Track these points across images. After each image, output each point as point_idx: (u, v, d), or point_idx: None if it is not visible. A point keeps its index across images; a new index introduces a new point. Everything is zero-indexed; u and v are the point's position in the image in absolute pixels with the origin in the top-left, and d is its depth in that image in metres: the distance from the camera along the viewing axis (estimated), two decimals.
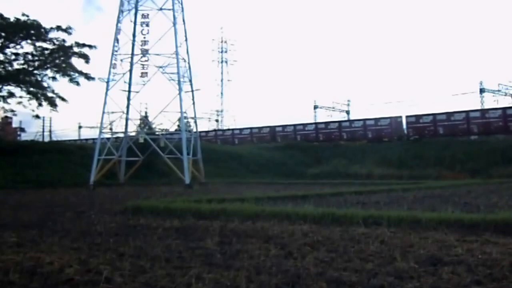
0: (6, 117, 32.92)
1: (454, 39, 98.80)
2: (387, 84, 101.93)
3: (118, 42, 27.86)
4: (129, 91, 28.38)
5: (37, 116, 32.35)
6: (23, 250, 5.88)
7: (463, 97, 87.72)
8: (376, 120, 39.24)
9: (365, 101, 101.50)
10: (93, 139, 35.06)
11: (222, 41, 68.10)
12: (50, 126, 61.11)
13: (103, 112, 27.52)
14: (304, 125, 44.40)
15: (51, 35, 30.31)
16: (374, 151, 35.90)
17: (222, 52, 67.86)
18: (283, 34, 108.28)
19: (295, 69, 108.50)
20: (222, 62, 67.96)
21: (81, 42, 30.83)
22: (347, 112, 56.41)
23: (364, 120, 40.04)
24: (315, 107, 55.51)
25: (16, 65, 30.72)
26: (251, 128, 47.01)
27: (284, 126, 45.00)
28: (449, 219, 7.58)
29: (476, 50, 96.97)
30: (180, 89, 27.00)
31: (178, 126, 30.46)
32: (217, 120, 66.18)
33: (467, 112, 35.50)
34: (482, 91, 46.54)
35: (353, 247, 5.89)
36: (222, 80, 68.08)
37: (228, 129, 52.70)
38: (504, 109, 34.89)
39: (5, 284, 4.26)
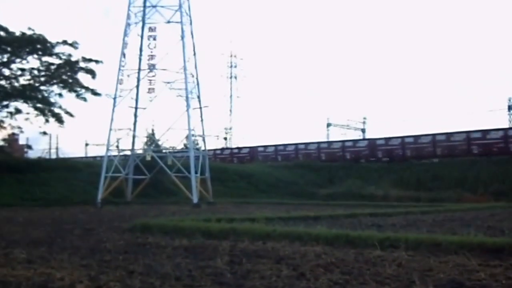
0: (13, 134, 33.47)
1: (481, 54, 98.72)
2: (406, 101, 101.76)
3: (125, 57, 28.35)
4: (136, 108, 28.76)
5: (45, 133, 32.84)
6: (34, 266, 6.06)
7: (491, 114, 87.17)
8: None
9: (382, 118, 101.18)
10: (100, 156, 35.43)
11: (231, 56, 68.68)
12: (57, 143, 62.01)
13: (110, 129, 27.93)
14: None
15: (57, 49, 30.96)
16: (391, 171, 35.74)
17: (231, 67, 68.42)
18: (295, 49, 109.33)
19: (307, 85, 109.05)
20: (231, 77, 68.48)
21: (87, 57, 31.42)
22: (363, 130, 56.40)
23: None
24: (328, 124, 55.61)
25: (22, 81, 31.33)
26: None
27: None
28: (471, 243, 7.53)
29: (504, 66, 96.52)
30: (188, 106, 27.30)
31: (185, 144, 30.75)
32: (225, 138, 66.43)
33: None
34: (510, 108, 46.22)
35: (369, 269, 5.92)
36: (231, 97, 68.50)
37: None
38: None
39: None
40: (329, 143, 41.93)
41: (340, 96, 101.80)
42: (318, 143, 42.81)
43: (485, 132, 34.33)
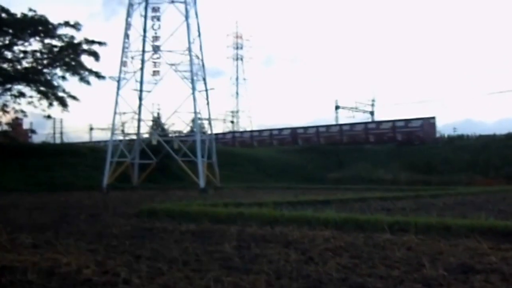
0: (17, 118, 33.59)
1: (490, 34, 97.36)
2: (415, 83, 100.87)
3: (128, 38, 28.21)
4: (141, 91, 28.71)
5: (49, 116, 32.93)
6: (40, 251, 6.15)
7: (499, 96, 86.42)
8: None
9: (392, 101, 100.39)
10: (105, 141, 35.64)
11: (237, 37, 67.95)
12: (61, 128, 62.27)
13: (115, 113, 27.97)
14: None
15: (59, 31, 30.81)
16: (401, 155, 35.65)
17: (237, 48, 67.76)
18: (303, 29, 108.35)
19: (315, 67, 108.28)
20: (237, 59, 67.87)
21: (90, 38, 31.25)
22: (371, 113, 56.05)
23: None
24: (337, 107, 55.30)
25: (25, 64, 31.34)
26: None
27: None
28: (482, 226, 7.56)
29: None
30: (193, 88, 27.22)
31: (192, 127, 30.75)
32: (232, 122, 66.27)
33: None
34: None
35: (378, 253, 5.96)
36: (237, 79, 68.03)
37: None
38: None
39: (24, 284, 4.50)
40: (260, 131, 47.57)
41: (349, 78, 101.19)
42: (251, 131, 48.05)
43: (378, 123, 40.95)
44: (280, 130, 46.23)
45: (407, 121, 38.73)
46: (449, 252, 5.94)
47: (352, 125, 41.86)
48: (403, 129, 38.70)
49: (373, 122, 40.90)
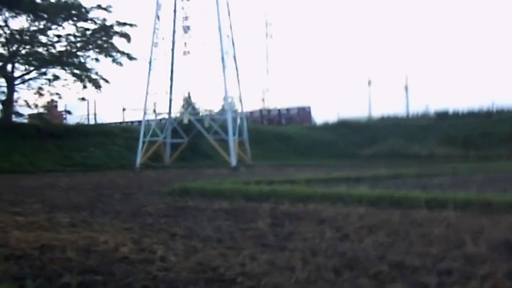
0: (52, 100, 34.53)
1: None
2: (452, 57, 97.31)
3: (159, 19, 28.42)
4: (172, 71, 28.98)
5: (83, 99, 33.73)
6: (77, 230, 6.29)
7: None
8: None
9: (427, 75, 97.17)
10: (138, 121, 36.33)
11: (266, 14, 67.38)
12: (95, 109, 63.50)
13: (147, 93, 28.38)
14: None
15: (92, 14, 31.34)
16: (436, 129, 34.80)
17: (266, 26, 67.11)
18: (333, 4, 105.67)
19: (347, 42, 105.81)
20: (266, 36, 67.26)
21: (122, 20, 31.64)
22: (406, 88, 54.77)
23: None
24: (369, 83, 54.26)
25: (59, 47, 32.08)
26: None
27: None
28: None
29: None
30: (224, 67, 27.23)
31: (223, 105, 30.87)
32: (263, 99, 66.11)
33: None
34: None
35: (415, 230, 5.82)
36: (267, 57, 67.54)
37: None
38: None
39: (63, 261, 4.61)
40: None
41: (382, 54, 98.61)
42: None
43: (269, 110, 50.72)
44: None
45: (288, 109, 48.96)
46: (491, 229, 5.73)
47: (252, 112, 49.76)
48: (285, 116, 48.09)
49: (266, 109, 51.18)
